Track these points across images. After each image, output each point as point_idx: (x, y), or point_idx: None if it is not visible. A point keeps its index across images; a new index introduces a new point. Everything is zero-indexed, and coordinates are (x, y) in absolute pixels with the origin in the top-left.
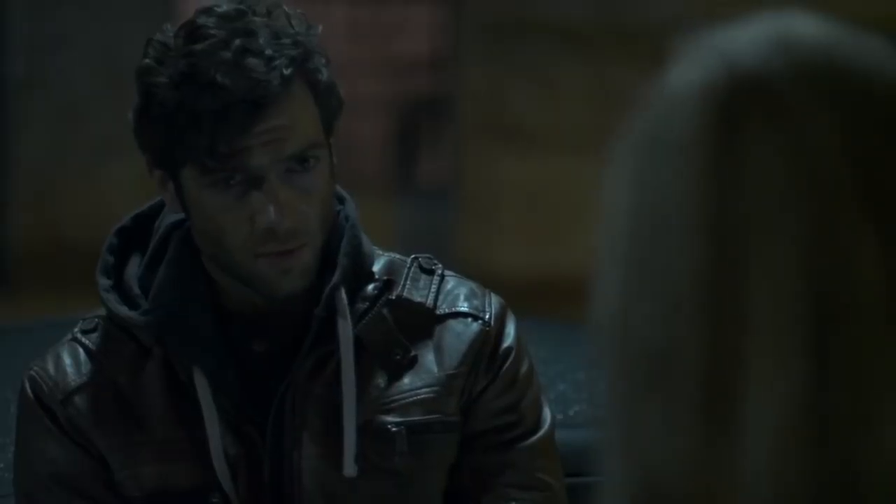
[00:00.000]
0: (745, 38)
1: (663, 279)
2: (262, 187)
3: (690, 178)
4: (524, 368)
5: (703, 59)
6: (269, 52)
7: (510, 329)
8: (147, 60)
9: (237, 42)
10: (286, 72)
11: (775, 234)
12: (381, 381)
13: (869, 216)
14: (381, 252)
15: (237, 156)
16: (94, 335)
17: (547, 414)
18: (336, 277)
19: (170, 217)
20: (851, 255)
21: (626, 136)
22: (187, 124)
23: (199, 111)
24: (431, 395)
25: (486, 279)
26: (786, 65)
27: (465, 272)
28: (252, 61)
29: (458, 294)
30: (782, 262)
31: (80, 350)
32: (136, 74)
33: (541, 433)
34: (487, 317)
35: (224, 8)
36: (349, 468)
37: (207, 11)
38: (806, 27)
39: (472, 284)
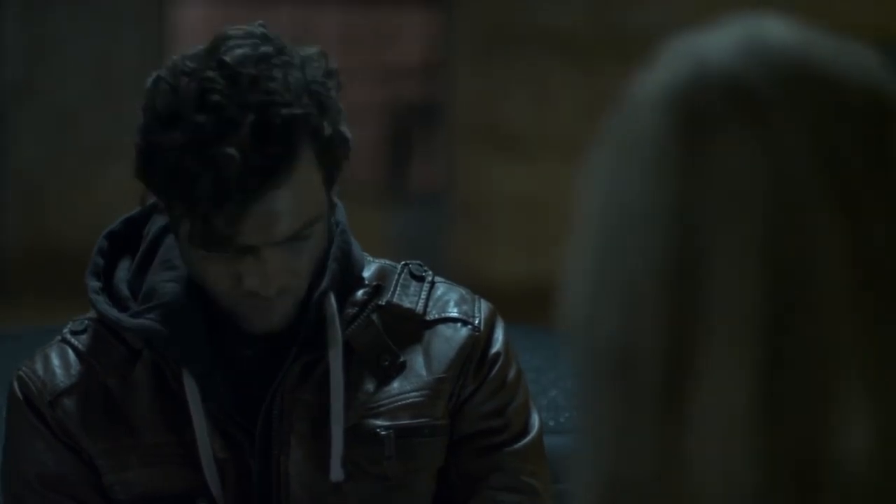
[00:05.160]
0: (716, 40)
1: (626, 277)
2: (253, 255)
3: (655, 176)
4: (512, 374)
5: (672, 60)
6: (278, 132)
7: (499, 334)
8: (156, 107)
9: (251, 119)
10: (292, 160)
11: (739, 231)
12: (369, 385)
13: (836, 215)
14: (371, 259)
15: (230, 238)
16: (84, 336)
17: (535, 419)
18: (325, 282)
19: (159, 221)
20: (816, 251)
21: (600, 138)
22: (185, 204)
23: (197, 194)
24: (420, 398)
25: (478, 286)
26: (756, 64)
27: (457, 279)
28: (262, 147)
29: (447, 300)
30: (744, 258)
31: (70, 351)
32: (142, 129)
33: (528, 438)
34: (477, 322)
35: (237, 56)
36: (336, 473)
37: (220, 62)
38: (778, 29)
39: (462, 290)
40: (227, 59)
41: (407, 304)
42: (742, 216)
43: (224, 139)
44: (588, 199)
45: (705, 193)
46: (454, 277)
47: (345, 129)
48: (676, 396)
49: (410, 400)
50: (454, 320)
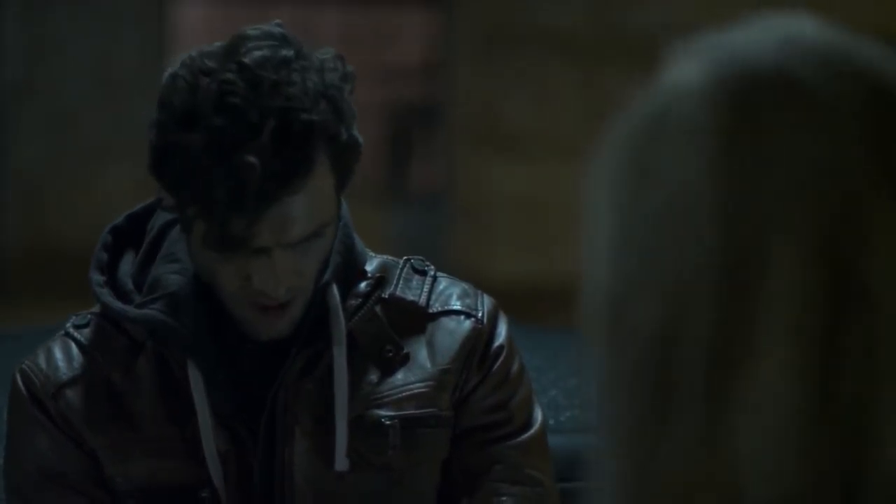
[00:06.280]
0: (753, 36)
1: (670, 267)
2: (264, 256)
3: (701, 164)
4: (515, 367)
5: (709, 53)
6: (297, 139)
7: (502, 328)
8: (173, 104)
9: (271, 124)
10: (309, 166)
11: (793, 221)
12: (373, 377)
13: (889, 203)
14: (373, 254)
15: (245, 240)
16: (87, 330)
17: (538, 413)
18: (328, 274)
19: (162, 216)
20: (869, 241)
21: (617, 130)
22: (201, 207)
23: (214, 198)
24: (425, 389)
25: (478, 285)
26: (800, 57)
27: (458, 278)
28: (282, 154)
29: (450, 293)
30: (800, 248)
31: (73, 344)
32: (158, 126)
33: (531, 432)
34: (480, 315)
35: (257, 58)
36: (341, 463)
37: (240, 64)
38: (811, 26)
39: (465, 285)
40: (247, 60)
41: (410, 296)
42: (795, 207)
43: (244, 145)
44: (607, 191)
45: (756, 184)
46: (454, 276)
47: (357, 133)
48: (725, 394)
49: (416, 391)
50: (457, 313)
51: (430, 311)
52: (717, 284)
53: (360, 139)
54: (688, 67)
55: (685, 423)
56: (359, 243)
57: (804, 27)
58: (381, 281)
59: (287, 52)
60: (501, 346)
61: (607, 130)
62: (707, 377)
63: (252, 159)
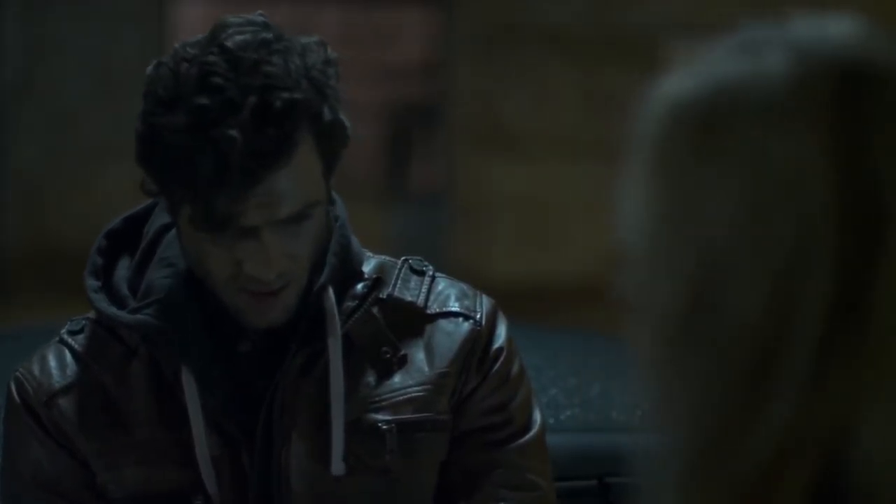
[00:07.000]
0: (828, 30)
1: (780, 233)
2: (253, 238)
3: (813, 142)
4: (515, 369)
5: (784, 46)
6: (279, 115)
7: (501, 330)
8: (157, 92)
9: (252, 101)
10: (292, 144)
11: None
12: (370, 379)
13: None
14: (370, 254)
15: (232, 218)
16: (81, 336)
17: (537, 415)
18: (324, 276)
19: (159, 220)
20: None
21: (664, 127)
22: (186, 186)
23: (198, 175)
24: (423, 393)
25: (477, 286)
26: (878, 48)
27: (457, 278)
28: (263, 130)
29: (448, 294)
30: None
31: (66, 351)
32: (143, 115)
33: (531, 434)
34: (478, 317)
35: (238, 41)
36: (337, 466)
37: (221, 47)
38: (858, 23)
39: (463, 286)
40: (229, 44)
41: (408, 297)
42: None
43: (225, 120)
44: (687, 181)
45: (872, 171)
46: (454, 276)
47: (344, 116)
48: (840, 350)
49: (413, 394)
50: (455, 315)
51: (428, 311)
52: (837, 246)
53: (347, 123)
54: (760, 59)
55: (788, 394)
56: (355, 244)
57: (856, 23)
58: (378, 282)
59: (267, 35)
60: (501, 348)
61: (643, 131)
62: (823, 332)
63: (234, 133)
